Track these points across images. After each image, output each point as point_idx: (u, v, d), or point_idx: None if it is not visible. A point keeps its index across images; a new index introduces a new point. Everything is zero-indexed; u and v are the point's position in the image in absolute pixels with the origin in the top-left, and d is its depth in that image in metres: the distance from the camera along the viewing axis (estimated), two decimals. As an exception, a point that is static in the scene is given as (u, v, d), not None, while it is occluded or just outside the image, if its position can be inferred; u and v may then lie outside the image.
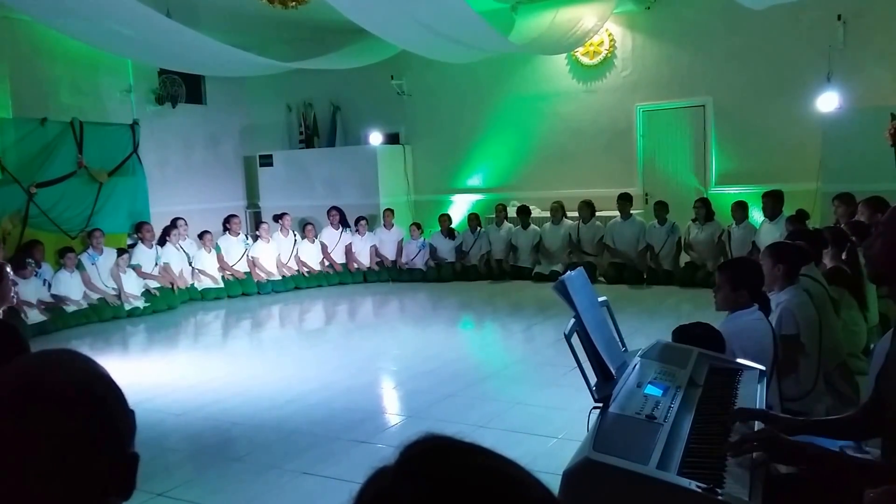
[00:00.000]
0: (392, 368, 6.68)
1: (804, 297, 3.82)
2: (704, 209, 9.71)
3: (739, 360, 3.02)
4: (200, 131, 12.33)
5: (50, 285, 8.82)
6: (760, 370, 2.88)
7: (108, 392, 1.00)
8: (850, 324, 4.77)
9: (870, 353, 4.33)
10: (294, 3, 9.05)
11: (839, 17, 9.47)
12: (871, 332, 5.06)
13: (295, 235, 11.12)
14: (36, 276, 8.66)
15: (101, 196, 10.10)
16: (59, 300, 8.80)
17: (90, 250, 9.37)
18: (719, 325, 3.42)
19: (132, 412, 1.03)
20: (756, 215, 9.64)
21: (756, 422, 2.27)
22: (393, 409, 5.55)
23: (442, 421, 4.88)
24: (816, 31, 9.64)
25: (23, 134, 9.44)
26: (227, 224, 10.72)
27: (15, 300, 8.09)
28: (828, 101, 9.53)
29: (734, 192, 10.15)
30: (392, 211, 11.58)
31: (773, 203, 9.06)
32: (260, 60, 9.47)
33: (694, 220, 9.84)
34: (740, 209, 9.49)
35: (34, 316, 8.42)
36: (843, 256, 5.25)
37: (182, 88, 11.60)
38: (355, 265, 11.28)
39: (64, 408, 0.94)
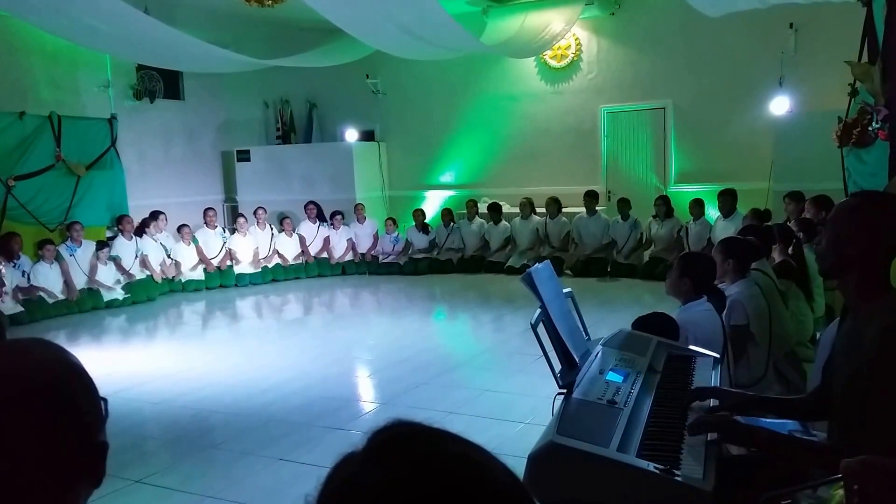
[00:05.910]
0: (367, 358, 6.80)
1: (754, 289, 3.95)
2: (664, 206, 10.09)
3: (695, 348, 3.12)
4: (178, 126, 12.23)
5: (29, 276, 8.86)
6: (714, 357, 2.99)
7: (76, 380, 0.98)
8: (797, 314, 4.99)
9: (816, 341, 4.65)
10: (270, 2, 9.14)
11: (791, 26, 9.83)
12: (817, 321, 5.34)
13: (272, 229, 11.22)
14: (15, 267, 8.70)
15: (78, 189, 10.07)
16: (37, 290, 8.84)
17: (69, 242, 9.42)
18: (674, 315, 3.53)
19: (104, 401, 1.02)
20: (712, 212, 10.00)
21: (711, 400, 2.37)
22: (367, 397, 5.67)
23: (414, 408, 4.96)
24: (769, 39, 9.99)
25: (1, 128, 9.38)
26: (205, 217, 10.81)
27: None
28: (780, 105, 9.92)
29: (692, 190, 10.52)
30: (363, 205, 11.71)
31: (727, 201, 9.47)
32: (237, 57, 9.52)
33: (654, 217, 10.21)
34: (697, 206, 9.90)
35: (11, 307, 8.44)
36: (790, 251, 5.65)
37: (160, 84, 11.52)
38: (335, 257, 11.42)
39: (31, 395, 0.92)
